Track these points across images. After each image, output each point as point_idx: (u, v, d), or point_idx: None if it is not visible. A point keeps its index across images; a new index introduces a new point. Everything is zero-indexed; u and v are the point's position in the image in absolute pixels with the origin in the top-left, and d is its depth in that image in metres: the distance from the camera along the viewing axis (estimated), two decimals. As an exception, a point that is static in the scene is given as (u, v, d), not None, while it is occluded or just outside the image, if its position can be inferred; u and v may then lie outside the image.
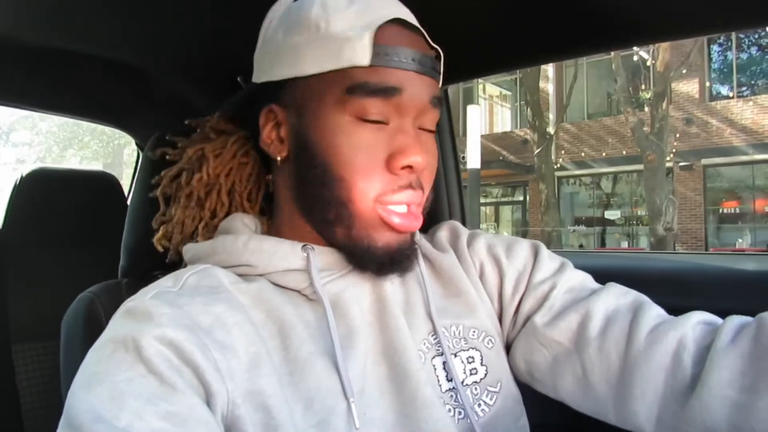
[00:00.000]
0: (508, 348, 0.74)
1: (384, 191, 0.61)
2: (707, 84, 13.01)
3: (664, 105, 10.18)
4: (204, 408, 0.49)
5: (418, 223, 0.64)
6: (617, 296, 0.69)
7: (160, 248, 0.77)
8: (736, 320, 0.60)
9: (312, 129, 0.62)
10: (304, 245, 0.64)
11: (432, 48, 0.65)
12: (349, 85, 0.60)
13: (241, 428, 0.51)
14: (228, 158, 0.74)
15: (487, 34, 1.05)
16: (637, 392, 0.61)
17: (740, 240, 12.98)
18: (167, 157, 0.79)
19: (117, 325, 0.54)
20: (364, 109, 0.60)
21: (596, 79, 14.47)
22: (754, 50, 13.25)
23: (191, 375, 0.50)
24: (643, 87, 11.12)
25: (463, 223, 1.36)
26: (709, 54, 13.13)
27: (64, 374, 0.86)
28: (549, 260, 0.75)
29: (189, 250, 0.69)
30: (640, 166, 11.33)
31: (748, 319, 0.60)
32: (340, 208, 0.61)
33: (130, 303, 0.56)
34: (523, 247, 0.76)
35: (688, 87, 12.94)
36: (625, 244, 14.33)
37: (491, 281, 0.74)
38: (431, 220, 1.34)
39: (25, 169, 1.55)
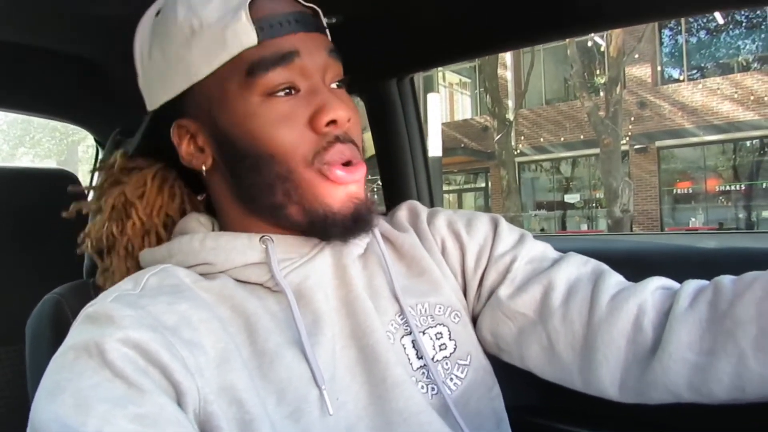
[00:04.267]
0: (474, 321, 0.75)
1: (316, 152, 0.60)
2: (659, 68, 13.35)
3: (618, 89, 10.41)
4: (174, 407, 0.48)
5: (360, 173, 0.63)
6: (578, 266, 0.71)
7: None
8: (693, 284, 0.63)
9: (228, 124, 0.61)
10: (262, 237, 0.63)
11: (307, 7, 0.64)
12: (247, 68, 0.59)
13: (214, 424, 0.51)
14: (153, 196, 0.72)
15: (449, 22, 1.04)
16: (600, 358, 0.64)
17: (693, 219, 13.43)
18: (84, 212, 0.78)
19: (78, 332, 0.53)
20: (269, 84, 0.59)
21: (554, 65, 14.68)
22: (702, 34, 13.65)
23: (159, 375, 0.50)
24: (597, 72, 11.33)
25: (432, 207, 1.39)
26: (661, 39, 13.47)
27: (31, 378, 0.83)
28: (509, 232, 0.76)
29: (145, 255, 0.68)
30: (598, 150, 11.59)
31: (704, 282, 0.63)
32: (284, 184, 0.61)
33: (89, 308, 0.55)
34: (483, 221, 0.77)
35: (640, 71, 13.26)
36: (584, 227, 14.66)
37: (453, 257, 0.75)
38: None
39: None
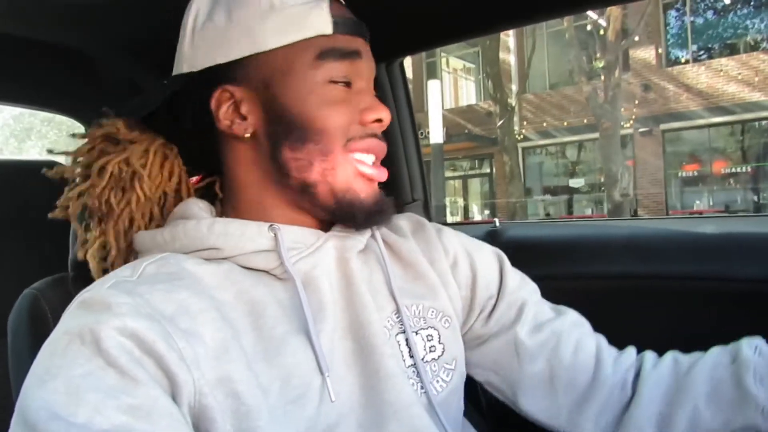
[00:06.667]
0: (475, 341, 0.81)
1: (353, 136, 0.65)
2: (662, 50, 13.17)
3: (617, 73, 10.30)
4: (168, 399, 0.48)
5: (384, 175, 0.69)
6: (577, 322, 0.80)
7: (97, 276, 0.68)
8: (649, 354, 0.78)
9: (285, 96, 0.64)
10: (270, 225, 0.64)
11: None
12: (319, 52, 0.64)
13: (209, 417, 0.51)
14: (156, 171, 0.71)
15: (437, 3, 1.02)
16: (593, 408, 0.74)
17: (698, 202, 13.34)
18: (66, 176, 0.74)
19: (72, 317, 0.52)
20: (334, 72, 0.65)
21: (559, 49, 14.53)
22: (710, 14, 13.44)
23: (154, 366, 0.49)
24: (597, 56, 11.21)
25: (426, 195, 1.40)
26: (665, 20, 13.28)
27: (13, 372, 0.84)
28: (512, 269, 0.82)
29: (143, 237, 0.66)
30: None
31: (655, 355, 0.78)
32: (322, 163, 0.64)
33: (85, 294, 0.54)
34: (488, 252, 0.83)
35: (645, 53, 13.10)
36: (589, 211, 14.60)
37: (463, 272, 0.79)
38: (393, 194, 1.32)
39: None
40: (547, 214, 14.84)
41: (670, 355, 0.76)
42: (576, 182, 14.75)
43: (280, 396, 0.56)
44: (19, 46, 1.17)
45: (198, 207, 0.68)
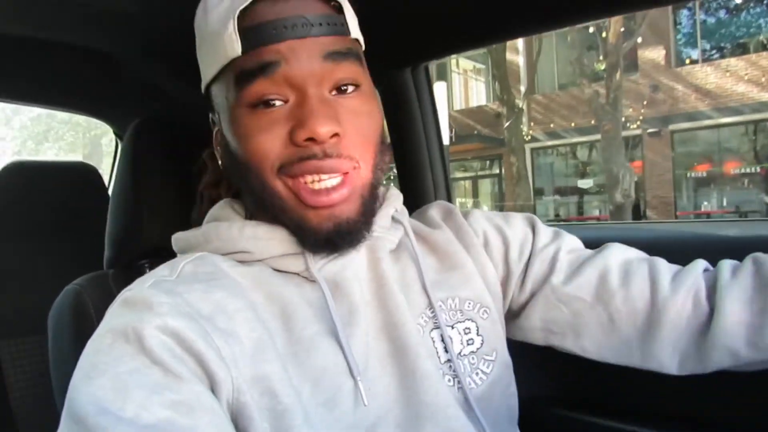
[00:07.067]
0: (517, 312, 0.78)
1: (284, 163, 0.59)
2: (671, 50, 13.10)
3: (618, 75, 10.29)
4: (210, 395, 0.49)
5: (338, 195, 0.59)
6: (624, 251, 0.76)
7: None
8: (728, 263, 0.70)
9: (226, 128, 0.63)
10: None
11: (327, 3, 0.61)
12: (234, 79, 0.59)
13: (247, 414, 0.51)
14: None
15: (463, 9, 1.02)
16: (664, 334, 0.69)
17: (706, 203, 13.23)
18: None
19: (115, 315, 0.53)
20: (253, 94, 0.58)
21: (567, 50, 14.50)
22: (722, 13, 13.34)
23: (194, 364, 0.50)
24: (601, 58, 11.20)
25: (449, 197, 1.41)
26: (675, 20, 13.21)
27: (54, 367, 0.85)
28: (545, 228, 0.80)
29: (179, 239, 0.69)
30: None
31: (737, 262, 0.71)
32: (262, 195, 0.61)
33: (127, 293, 0.55)
34: (520, 218, 0.81)
35: (654, 54, 13.04)
36: (597, 212, 14.55)
37: (496, 248, 0.77)
38: (416, 195, 1.36)
39: (2, 163, 1.50)
40: (557, 215, 14.82)
41: (750, 259, 0.69)
42: (584, 183, 14.70)
43: (310, 398, 0.56)
44: (54, 51, 1.21)
45: (232, 209, 0.69)
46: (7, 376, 1.38)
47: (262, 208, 0.63)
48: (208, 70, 0.63)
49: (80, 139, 19.96)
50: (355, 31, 0.64)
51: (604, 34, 10.30)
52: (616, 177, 10.11)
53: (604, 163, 10.95)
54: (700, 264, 0.72)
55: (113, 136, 1.88)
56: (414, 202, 0.88)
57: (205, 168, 0.78)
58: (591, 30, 10.82)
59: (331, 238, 0.60)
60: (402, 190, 1.31)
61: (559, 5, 0.98)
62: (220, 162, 0.68)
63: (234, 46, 0.58)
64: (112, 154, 1.98)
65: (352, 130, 0.60)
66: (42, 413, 1.33)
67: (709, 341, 0.66)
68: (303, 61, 0.58)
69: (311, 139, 0.57)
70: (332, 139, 0.58)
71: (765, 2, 12.71)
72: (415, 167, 1.37)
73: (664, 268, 0.72)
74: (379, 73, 1.19)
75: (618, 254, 0.75)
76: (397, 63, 1.29)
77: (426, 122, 1.36)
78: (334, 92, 0.61)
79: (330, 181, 0.59)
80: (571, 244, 0.78)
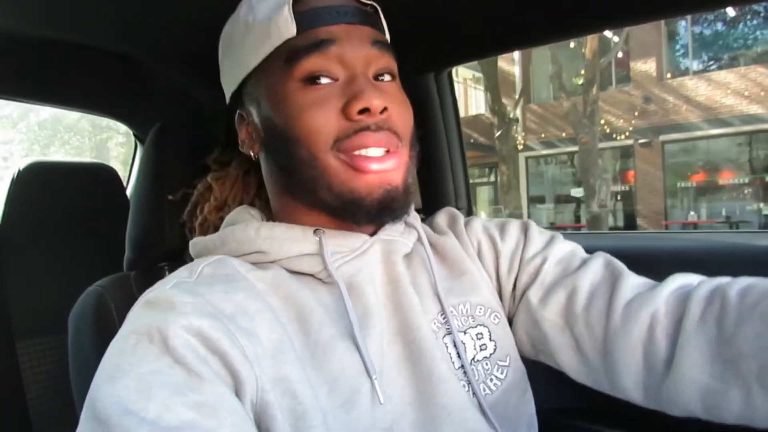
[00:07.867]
0: (510, 322, 0.76)
1: (338, 137, 0.60)
2: (662, 63, 13.24)
3: (594, 90, 10.52)
4: (232, 396, 0.49)
5: (391, 162, 0.62)
6: (601, 268, 0.71)
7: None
8: (703, 290, 0.62)
9: (270, 110, 0.64)
10: (315, 229, 0.64)
11: (364, 4, 0.66)
12: (287, 56, 0.61)
13: (271, 414, 0.51)
14: (231, 182, 0.78)
15: (487, 14, 1.02)
16: (621, 365, 0.65)
17: (692, 213, 13.34)
18: (186, 192, 0.83)
19: (139, 316, 0.53)
20: (304, 70, 0.61)
21: (564, 61, 14.68)
22: (719, 25, 13.46)
23: (219, 363, 0.50)
24: (583, 72, 11.40)
25: (470, 204, 1.41)
26: (667, 32, 13.37)
27: (73, 368, 0.85)
28: (539, 235, 0.77)
29: (196, 243, 0.70)
30: (609, 144, 11.58)
31: (714, 283, 0.63)
32: (310, 171, 0.61)
33: (150, 294, 0.55)
34: (515, 225, 0.79)
35: (646, 66, 13.22)
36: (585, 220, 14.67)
37: (488, 260, 0.77)
38: (437, 200, 1.37)
39: (23, 163, 1.48)
40: (551, 223, 14.94)
41: (720, 298, 0.60)
42: (577, 192, 14.86)
43: (328, 400, 0.56)
44: (79, 54, 1.22)
45: (249, 213, 0.70)
46: (25, 377, 1.37)
47: (302, 187, 0.64)
48: (250, 60, 0.65)
49: (86, 143, 20.21)
50: (387, 35, 0.70)
51: (583, 50, 10.55)
52: (592, 188, 10.33)
53: (581, 175, 11.15)
54: (668, 286, 0.66)
55: (120, 141, 2.02)
56: (435, 207, 0.89)
57: (206, 194, 0.79)
58: (572, 45, 11.05)
59: (384, 205, 0.61)
60: (423, 195, 1.41)
61: (584, 12, 0.98)
62: (252, 153, 0.69)
63: (289, 27, 0.61)
64: (119, 158, 2.10)
65: (395, 110, 0.63)
66: (58, 413, 1.37)
67: (664, 393, 0.62)
68: (355, 42, 0.62)
69: (365, 111, 0.60)
70: (382, 114, 0.61)
71: (761, 15, 12.84)
72: (437, 174, 1.37)
73: (627, 291, 0.67)
74: (403, 78, 1.32)
75: (593, 272, 0.71)
76: (420, 68, 1.30)
77: (448, 128, 1.37)
78: (375, 78, 0.65)
79: (379, 150, 0.61)
80: (561, 253, 0.75)
